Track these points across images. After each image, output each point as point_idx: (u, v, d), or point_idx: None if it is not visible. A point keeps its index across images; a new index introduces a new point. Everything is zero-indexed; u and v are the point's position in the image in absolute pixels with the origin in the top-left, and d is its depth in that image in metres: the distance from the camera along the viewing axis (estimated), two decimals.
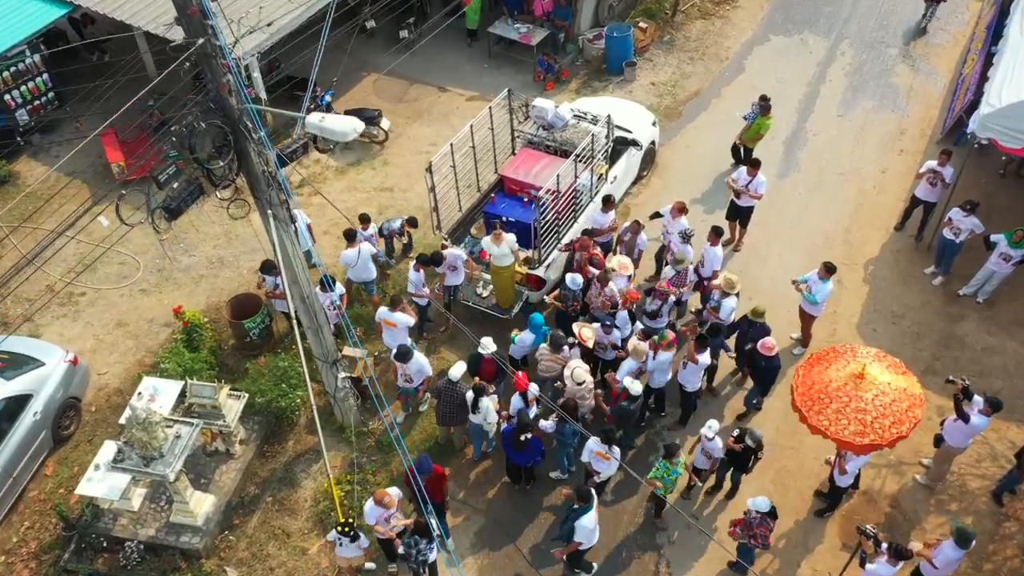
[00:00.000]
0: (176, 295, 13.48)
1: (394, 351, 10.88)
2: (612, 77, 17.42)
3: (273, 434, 11.64)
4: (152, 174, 7.72)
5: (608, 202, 12.58)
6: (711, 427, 9.97)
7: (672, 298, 11.54)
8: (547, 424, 10.30)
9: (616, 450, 9.85)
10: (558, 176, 11.74)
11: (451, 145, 12.35)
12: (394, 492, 9.53)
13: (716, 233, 12.15)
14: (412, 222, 13.16)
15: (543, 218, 11.84)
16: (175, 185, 7.89)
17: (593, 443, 9.86)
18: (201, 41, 7.12)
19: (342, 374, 10.64)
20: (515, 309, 12.37)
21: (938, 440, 10.72)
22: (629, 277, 11.95)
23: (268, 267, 11.80)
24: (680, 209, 12.39)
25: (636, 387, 10.19)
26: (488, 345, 10.73)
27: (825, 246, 14.02)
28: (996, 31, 15.08)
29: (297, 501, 10.99)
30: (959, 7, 18.55)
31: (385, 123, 15.93)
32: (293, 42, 14.91)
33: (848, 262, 13.75)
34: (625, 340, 11.16)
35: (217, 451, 11.15)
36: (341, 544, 9.27)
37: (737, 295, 11.57)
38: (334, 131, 7.32)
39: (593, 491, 9.49)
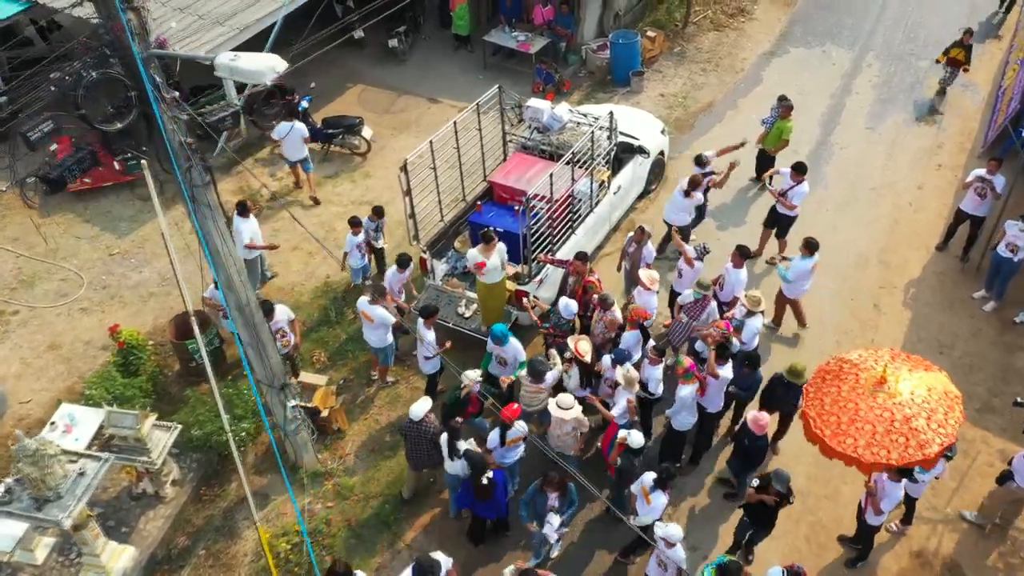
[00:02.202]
0: (120, 315, 11.88)
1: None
2: (618, 88, 16.00)
3: (214, 474, 9.90)
4: (21, 131, 6.13)
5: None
6: (670, 533, 7.71)
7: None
8: (518, 428, 8.57)
9: (662, 498, 8.14)
10: (551, 176, 10.17)
11: (431, 143, 10.83)
12: None
13: (742, 254, 10.43)
14: (377, 211, 11.55)
15: (534, 227, 10.26)
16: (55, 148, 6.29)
17: (647, 478, 8.20)
18: None
19: (292, 402, 8.94)
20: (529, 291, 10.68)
21: (1003, 478, 8.94)
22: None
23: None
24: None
25: (637, 439, 8.42)
26: (471, 377, 9.06)
27: (858, 267, 12.35)
28: None
29: (235, 555, 9.20)
30: (989, 22, 17.18)
31: (367, 132, 14.48)
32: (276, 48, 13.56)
33: (886, 285, 12.06)
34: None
35: (144, 493, 9.43)
36: None
37: (763, 314, 9.86)
38: (248, 71, 5.77)
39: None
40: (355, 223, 11.16)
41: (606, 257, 12.53)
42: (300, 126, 12.94)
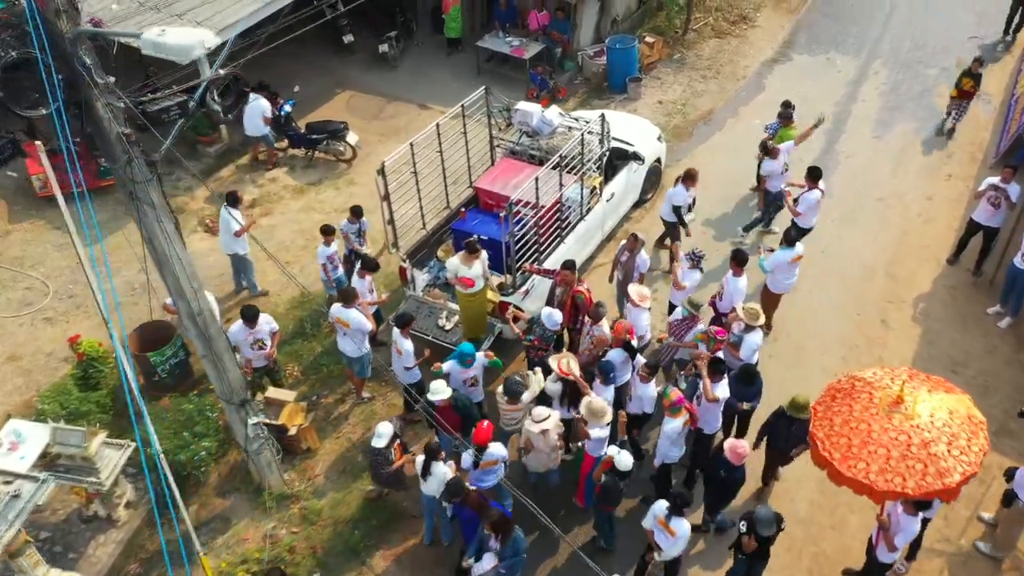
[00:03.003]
0: (84, 325, 11.27)
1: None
2: (614, 95, 15.44)
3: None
4: None
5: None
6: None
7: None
8: (494, 452, 7.94)
9: (684, 525, 7.42)
10: (536, 180, 9.57)
11: (411, 145, 10.24)
12: None
13: (738, 261, 9.77)
14: (355, 211, 10.91)
15: (519, 235, 9.65)
16: None
17: (660, 508, 7.46)
18: None
19: (253, 420, 8.29)
20: (485, 346, 10.02)
21: (1009, 498, 8.22)
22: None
23: None
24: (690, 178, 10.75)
25: (625, 460, 7.69)
26: (440, 391, 8.39)
27: (865, 280, 11.70)
28: None
29: None
30: (997, 33, 16.57)
31: (352, 138, 13.92)
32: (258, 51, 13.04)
33: (894, 299, 11.39)
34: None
35: (96, 516, 8.77)
36: None
37: (762, 328, 9.19)
38: (175, 46, 5.17)
39: None
40: (326, 232, 10.53)
41: (599, 268, 11.90)
42: (263, 103, 12.73)
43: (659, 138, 12.98)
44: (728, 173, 13.43)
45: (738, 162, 13.45)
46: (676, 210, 11.13)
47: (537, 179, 9.56)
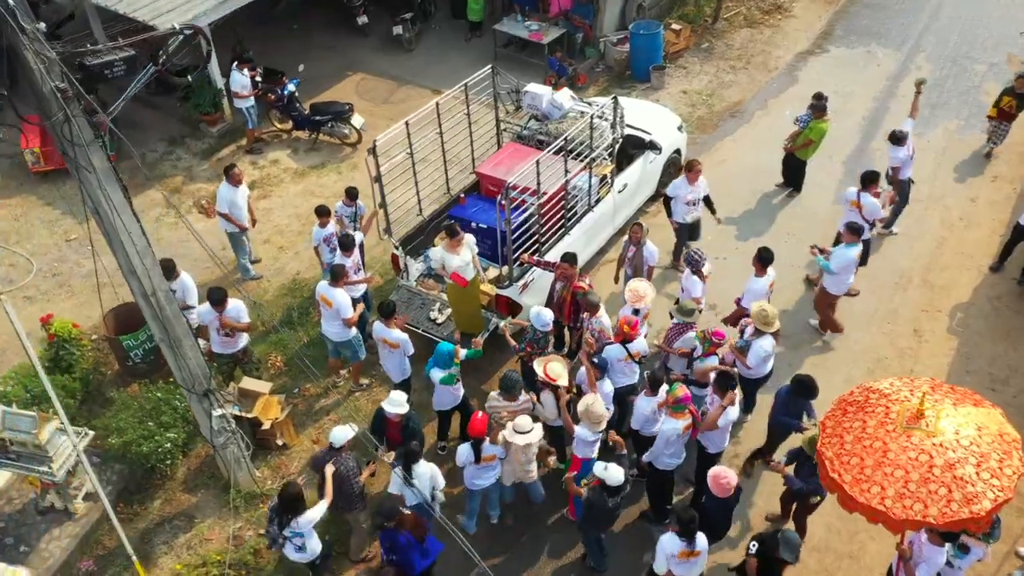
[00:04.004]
0: (66, 305, 10.80)
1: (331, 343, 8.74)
2: (637, 84, 14.62)
3: (137, 488, 8.67)
4: None
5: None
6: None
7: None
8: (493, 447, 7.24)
9: (702, 539, 6.69)
10: (537, 164, 8.83)
11: (406, 124, 9.57)
12: None
13: (762, 260, 8.96)
14: (350, 193, 10.23)
15: (517, 223, 8.93)
16: None
17: (671, 545, 6.63)
18: None
19: (218, 411, 7.67)
20: (498, 323, 9.28)
21: None
22: (637, 313, 8.64)
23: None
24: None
25: (615, 475, 6.88)
26: (397, 402, 7.61)
27: (899, 288, 10.77)
28: None
29: None
30: None
31: (357, 120, 13.30)
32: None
33: (929, 308, 10.46)
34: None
35: (53, 508, 8.22)
36: None
37: (775, 336, 8.34)
38: None
39: None
40: (322, 212, 9.92)
41: (609, 264, 11.11)
42: (238, 76, 12.41)
43: (679, 128, 12.15)
44: (753, 168, 12.58)
45: (764, 157, 12.58)
46: (707, 200, 10.32)
47: (538, 163, 8.80)
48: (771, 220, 11.82)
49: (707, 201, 10.37)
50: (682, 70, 14.99)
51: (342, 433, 7.34)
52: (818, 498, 7.39)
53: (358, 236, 10.12)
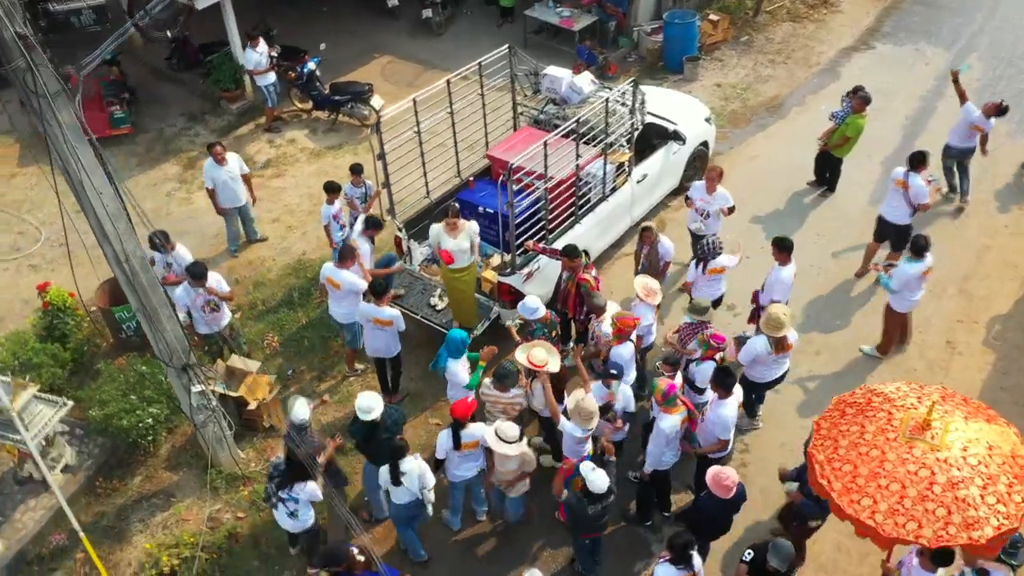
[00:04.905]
0: (69, 274, 10.63)
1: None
2: (669, 75, 14.07)
3: (119, 463, 8.45)
4: None
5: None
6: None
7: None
8: (474, 432, 6.84)
9: (697, 560, 6.22)
10: (544, 145, 8.39)
11: (414, 101, 9.21)
12: None
13: (780, 247, 8.38)
14: (355, 170, 9.91)
15: (523, 207, 8.51)
16: None
17: (665, 574, 6.13)
18: None
19: (197, 388, 7.38)
20: (478, 331, 8.90)
21: None
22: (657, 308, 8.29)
23: (154, 239, 8.77)
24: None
25: (598, 481, 6.37)
26: (299, 412, 6.97)
27: (933, 296, 10.04)
28: None
29: (117, 563, 7.69)
30: None
31: (377, 101, 13.00)
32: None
33: (965, 319, 9.77)
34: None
35: (31, 478, 8.04)
36: None
37: (781, 344, 7.70)
38: None
39: None
40: (331, 189, 9.63)
41: (625, 258, 10.63)
42: (252, 54, 12.35)
43: (707, 120, 11.59)
44: (786, 165, 11.96)
45: (798, 154, 11.94)
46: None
47: (545, 144, 8.36)
48: (801, 220, 11.20)
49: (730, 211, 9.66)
50: (718, 63, 14.39)
51: (302, 409, 6.93)
52: (818, 522, 6.82)
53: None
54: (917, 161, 9.41)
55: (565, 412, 7.13)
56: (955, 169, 11.11)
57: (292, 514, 6.87)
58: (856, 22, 15.46)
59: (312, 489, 6.73)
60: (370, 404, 6.98)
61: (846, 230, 10.87)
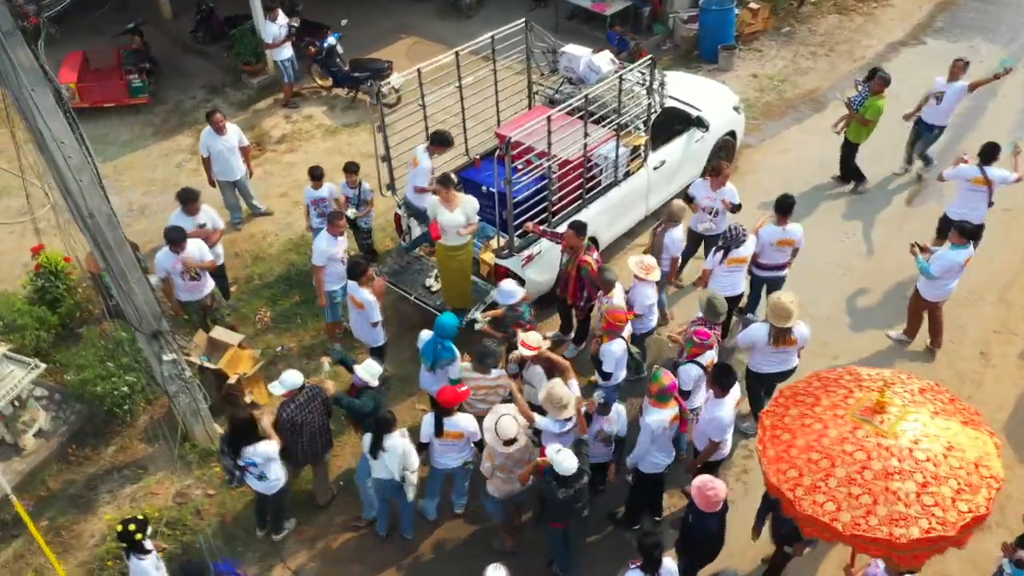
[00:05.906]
0: (74, 240, 10.51)
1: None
2: (704, 64, 13.47)
3: (95, 431, 8.21)
4: None
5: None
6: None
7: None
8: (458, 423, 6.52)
9: (670, 568, 5.76)
10: (548, 120, 7.92)
11: (419, 71, 8.82)
12: None
13: (781, 208, 8.17)
14: (350, 168, 9.48)
15: (523, 185, 8.05)
16: None
17: None
18: None
19: (169, 356, 7.09)
20: (473, 314, 8.45)
21: None
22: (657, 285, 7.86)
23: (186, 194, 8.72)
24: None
25: (566, 462, 5.88)
26: (293, 378, 6.77)
27: (969, 304, 9.35)
28: None
29: (80, 534, 7.44)
30: None
31: (396, 80, 12.59)
32: None
33: (1002, 329, 9.03)
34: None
35: (3, 441, 7.84)
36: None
37: (786, 338, 7.09)
38: None
39: None
40: (316, 175, 9.24)
41: (638, 249, 10.06)
42: (271, 26, 12.17)
43: (736, 108, 10.97)
44: (817, 161, 11.28)
45: (832, 151, 11.19)
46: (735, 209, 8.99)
47: (549, 119, 7.89)
48: (828, 217, 10.53)
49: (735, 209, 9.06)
50: (756, 52, 13.73)
51: (294, 377, 6.75)
52: (790, 549, 6.18)
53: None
54: (990, 155, 8.80)
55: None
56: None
57: (261, 477, 6.67)
58: (907, 16, 14.64)
59: (264, 448, 6.55)
60: (372, 370, 6.91)
61: (876, 231, 10.19)
